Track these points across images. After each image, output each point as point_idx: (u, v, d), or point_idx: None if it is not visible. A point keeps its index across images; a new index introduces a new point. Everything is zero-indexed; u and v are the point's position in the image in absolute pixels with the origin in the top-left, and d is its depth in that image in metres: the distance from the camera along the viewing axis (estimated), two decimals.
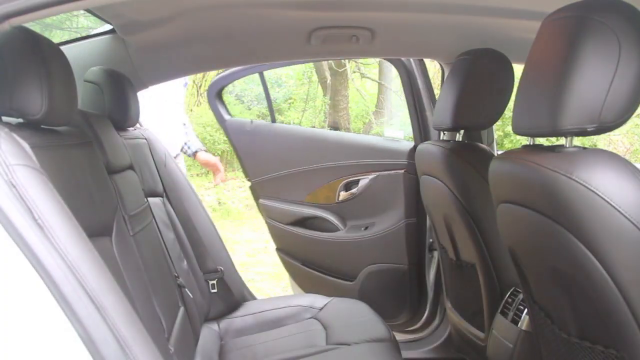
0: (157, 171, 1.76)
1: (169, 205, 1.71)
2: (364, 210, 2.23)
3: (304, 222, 2.29)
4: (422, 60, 2.20)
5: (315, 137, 2.48)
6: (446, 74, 2.04)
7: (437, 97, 1.81)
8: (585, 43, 0.81)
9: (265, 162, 2.31)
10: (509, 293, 1.38)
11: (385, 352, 1.39)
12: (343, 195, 2.29)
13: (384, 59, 2.48)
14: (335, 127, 7.10)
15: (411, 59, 2.17)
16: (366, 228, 2.23)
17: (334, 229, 2.27)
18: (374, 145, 2.35)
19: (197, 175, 7.12)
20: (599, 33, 0.80)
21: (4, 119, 0.85)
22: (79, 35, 1.71)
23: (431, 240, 2.13)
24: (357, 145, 2.36)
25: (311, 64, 7.11)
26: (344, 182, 2.29)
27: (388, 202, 2.21)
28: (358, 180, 2.27)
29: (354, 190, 2.29)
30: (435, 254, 2.09)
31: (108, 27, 1.67)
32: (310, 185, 2.34)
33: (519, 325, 1.31)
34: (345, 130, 7.11)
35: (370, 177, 2.23)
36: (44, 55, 0.89)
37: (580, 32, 0.81)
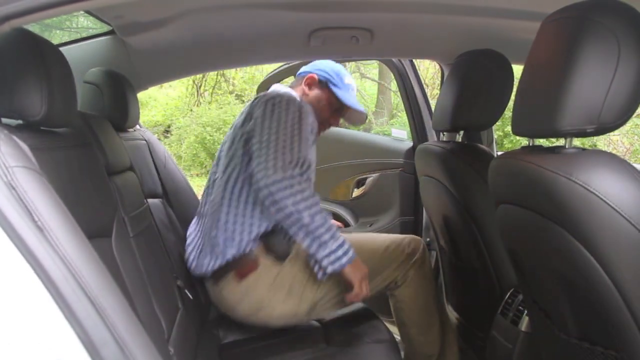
0: (157, 172, 1.76)
1: (168, 207, 1.71)
2: (370, 208, 2.32)
3: None
4: (413, 61, 2.23)
5: (337, 135, 2.57)
6: (446, 75, 2.04)
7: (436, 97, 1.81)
8: (585, 44, 0.81)
9: None
10: (508, 294, 1.38)
11: (385, 353, 1.39)
12: (356, 192, 2.40)
13: (381, 60, 2.50)
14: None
15: (402, 61, 2.20)
16: (371, 225, 2.32)
17: (347, 224, 2.39)
18: (378, 144, 2.43)
19: (197, 175, 7.12)
20: (599, 34, 0.80)
21: (4, 120, 0.85)
22: (79, 35, 1.71)
23: (428, 239, 2.15)
24: (365, 144, 2.46)
25: None
26: (357, 179, 2.40)
27: (387, 200, 2.29)
28: (366, 178, 2.37)
29: (362, 188, 2.40)
30: (434, 253, 2.10)
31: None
32: (333, 182, 2.47)
33: (518, 326, 1.31)
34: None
35: (375, 175, 2.33)
36: (43, 57, 0.89)
37: (580, 33, 0.81)
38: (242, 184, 1.42)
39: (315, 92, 1.67)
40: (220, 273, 1.43)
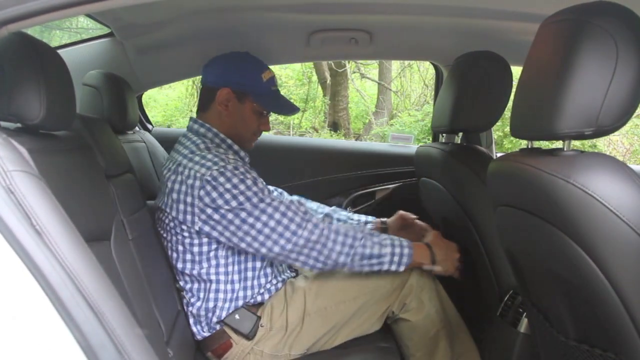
0: (156, 174, 1.75)
1: None
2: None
3: None
4: None
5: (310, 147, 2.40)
6: (444, 76, 2.04)
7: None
8: (583, 46, 0.80)
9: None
10: (507, 295, 1.38)
11: (385, 355, 1.39)
12: (351, 211, 2.19)
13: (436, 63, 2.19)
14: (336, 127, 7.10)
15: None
16: None
17: None
18: (385, 152, 2.29)
19: None
20: (597, 37, 0.80)
21: (2, 124, 0.85)
22: (79, 36, 1.71)
23: None
24: (367, 154, 2.30)
25: (311, 64, 7.11)
26: (355, 195, 2.21)
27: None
28: (373, 192, 2.20)
29: (363, 206, 2.21)
30: None
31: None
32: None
33: (517, 327, 1.31)
34: (344, 130, 7.12)
35: (390, 186, 2.19)
36: (41, 60, 0.89)
37: (578, 36, 0.81)
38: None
39: (234, 109, 1.40)
40: (202, 345, 1.40)
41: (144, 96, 2.24)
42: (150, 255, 1.30)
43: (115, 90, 1.51)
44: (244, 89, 1.38)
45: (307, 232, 1.26)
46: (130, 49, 1.71)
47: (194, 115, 1.44)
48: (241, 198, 1.24)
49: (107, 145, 1.26)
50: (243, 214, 1.24)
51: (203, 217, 1.26)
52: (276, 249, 1.26)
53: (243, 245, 1.27)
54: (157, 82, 2.12)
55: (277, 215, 1.25)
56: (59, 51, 1.04)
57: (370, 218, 1.71)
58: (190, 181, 1.26)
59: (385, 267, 1.33)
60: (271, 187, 1.66)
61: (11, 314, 0.65)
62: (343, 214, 1.70)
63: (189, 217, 1.28)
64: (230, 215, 1.24)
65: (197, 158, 1.28)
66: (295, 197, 1.68)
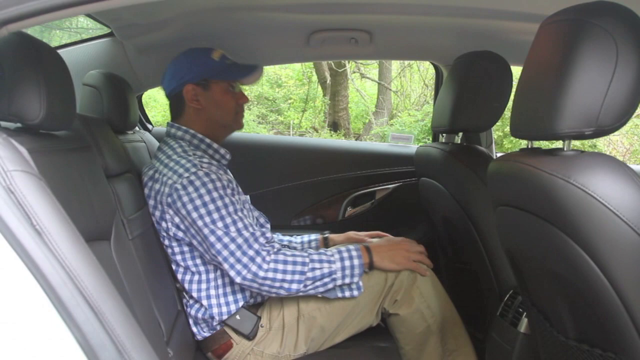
0: None
1: None
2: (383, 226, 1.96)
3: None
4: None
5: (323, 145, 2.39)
6: (444, 76, 2.04)
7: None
8: (583, 46, 0.81)
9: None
10: (507, 295, 1.38)
11: (384, 355, 1.39)
12: (350, 211, 2.21)
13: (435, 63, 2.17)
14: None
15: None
16: None
17: None
18: (385, 152, 2.29)
19: None
20: (597, 36, 0.80)
21: (3, 124, 0.85)
22: (79, 36, 1.71)
23: None
24: (367, 154, 2.30)
25: (311, 64, 7.11)
26: (354, 195, 2.22)
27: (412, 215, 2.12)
28: (373, 192, 2.20)
29: (363, 205, 2.21)
30: None
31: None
32: (299, 205, 2.21)
33: (517, 327, 1.31)
34: (344, 130, 7.12)
35: (389, 186, 2.19)
36: (41, 60, 0.89)
37: (578, 36, 0.81)
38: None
39: (205, 100, 1.41)
40: (202, 346, 1.41)
41: (144, 96, 2.24)
42: (150, 255, 1.30)
43: (115, 90, 1.51)
44: (203, 76, 1.40)
45: (255, 267, 1.25)
46: (130, 49, 1.71)
47: None
48: (203, 210, 1.25)
49: (107, 145, 1.26)
50: (205, 230, 1.25)
51: (175, 222, 1.31)
52: (231, 273, 1.25)
53: (207, 257, 1.31)
54: (157, 82, 2.11)
55: (238, 239, 1.25)
56: (59, 51, 1.04)
57: (313, 236, 1.67)
58: (162, 188, 1.30)
59: (339, 282, 1.31)
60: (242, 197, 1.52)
61: (11, 314, 0.65)
62: (286, 238, 1.67)
63: (163, 224, 1.33)
64: (198, 224, 1.26)
65: (171, 164, 1.32)
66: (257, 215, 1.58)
